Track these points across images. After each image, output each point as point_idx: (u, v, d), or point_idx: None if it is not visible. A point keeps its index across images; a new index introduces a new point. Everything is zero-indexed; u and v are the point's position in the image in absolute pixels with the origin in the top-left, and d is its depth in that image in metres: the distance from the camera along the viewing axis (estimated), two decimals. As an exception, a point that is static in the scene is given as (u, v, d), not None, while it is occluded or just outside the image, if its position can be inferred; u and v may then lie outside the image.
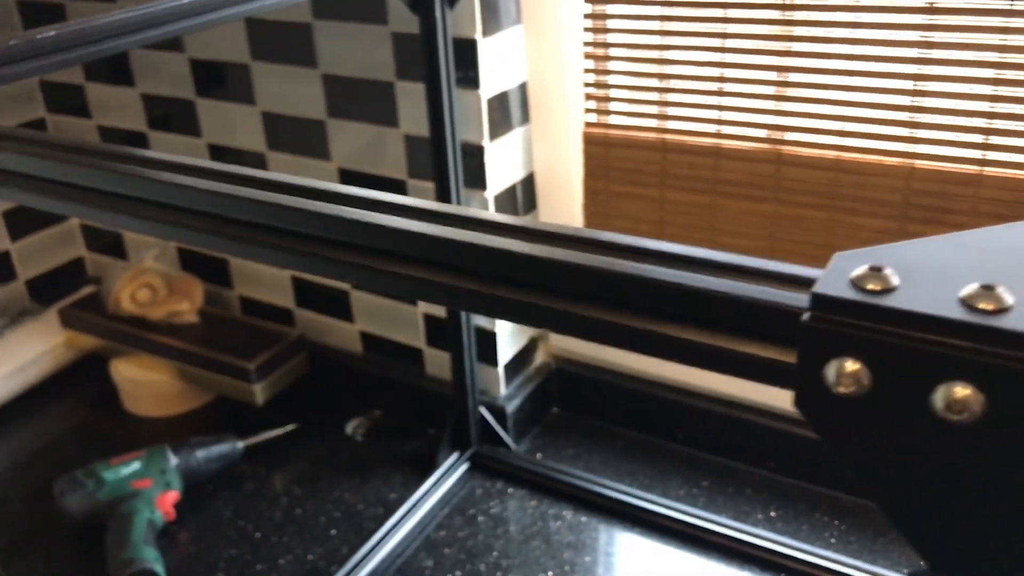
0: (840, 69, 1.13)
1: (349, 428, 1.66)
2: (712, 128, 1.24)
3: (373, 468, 1.58)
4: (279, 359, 1.69)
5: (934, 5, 1.04)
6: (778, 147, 1.20)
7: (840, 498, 1.43)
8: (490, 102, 1.37)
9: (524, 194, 1.50)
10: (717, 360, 0.32)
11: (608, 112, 1.34)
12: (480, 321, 1.54)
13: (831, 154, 1.17)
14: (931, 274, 0.30)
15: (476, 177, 1.41)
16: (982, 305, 0.28)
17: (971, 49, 1.03)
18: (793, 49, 1.15)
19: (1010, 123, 1.05)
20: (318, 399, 1.74)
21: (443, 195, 1.36)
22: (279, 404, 1.71)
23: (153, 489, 1.45)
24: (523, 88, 1.42)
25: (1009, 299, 0.28)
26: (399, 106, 1.43)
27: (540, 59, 1.38)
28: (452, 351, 1.50)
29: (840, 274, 0.31)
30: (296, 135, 1.57)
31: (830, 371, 0.29)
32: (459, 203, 1.39)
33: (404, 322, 1.64)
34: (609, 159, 1.32)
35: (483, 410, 1.57)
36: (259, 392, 1.66)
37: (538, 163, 1.48)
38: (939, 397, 0.28)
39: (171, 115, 1.72)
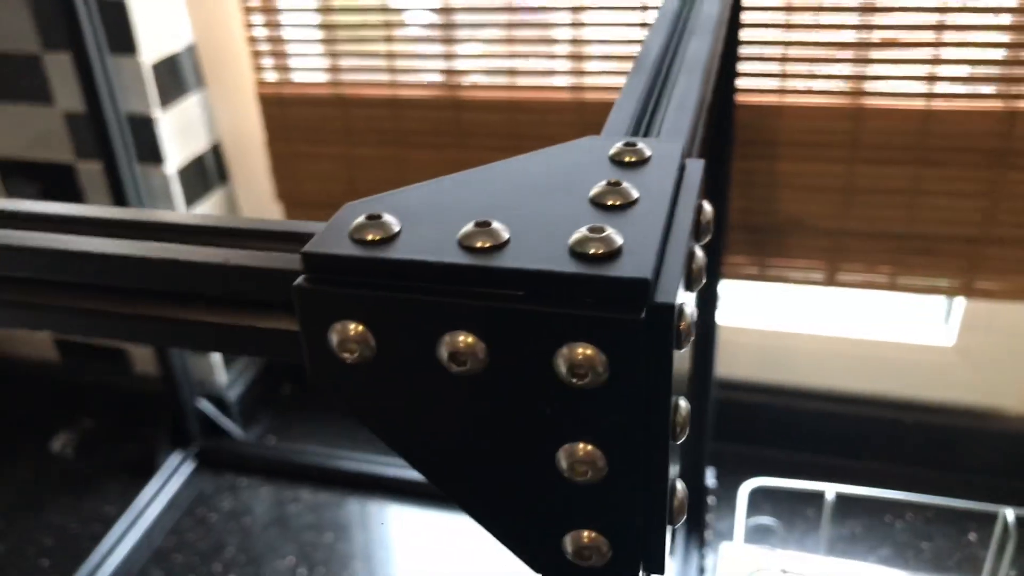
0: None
1: (56, 444, 1.50)
2: (387, 77, 1.19)
3: (87, 484, 1.43)
4: (-43, 381, 1.49)
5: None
6: (513, 93, 1.16)
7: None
8: (156, 68, 1.25)
9: (215, 165, 1.39)
10: (218, 340, 0.27)
11: (286, 69, 1.26)
12: (184, 307, 1.43)
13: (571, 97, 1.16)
14: (433, 216, 0.27)
15: (151, 151, 1.29)
16: (479, 244, 0.25)
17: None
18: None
19: None
20: (14, 418, 1.56)
21: (112, 174, 1.24)
22: (-34, 431, 1.51)
23: None
24: (193, 50, 1.31)
25: (504, 234, 0.26)
26: (52, 81, 1.28)
27: (205, 18, 1.27)
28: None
29: (341, 227, 0.27)
30: (-66, 125, 1.37)
31: (333, 337, 0.26)
32: (134, 181, 1.26)
33: (101, 320, 1.49)
34: (288, 119, 1.24)
35: (203, 402, 1.47)
36: (-64, 422, 1.46)
37: (223, 130, 1.37)
38: (444, 350, 0.25)
39: None
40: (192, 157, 1.34)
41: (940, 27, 0.98)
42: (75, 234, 0.28)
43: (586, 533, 0.27)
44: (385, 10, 1.17)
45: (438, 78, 1.17)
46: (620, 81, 1.13)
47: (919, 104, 1.01)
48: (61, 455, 1.48)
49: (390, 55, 1.17)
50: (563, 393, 0.25)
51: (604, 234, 0.25)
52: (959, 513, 1.26)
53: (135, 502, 1.36)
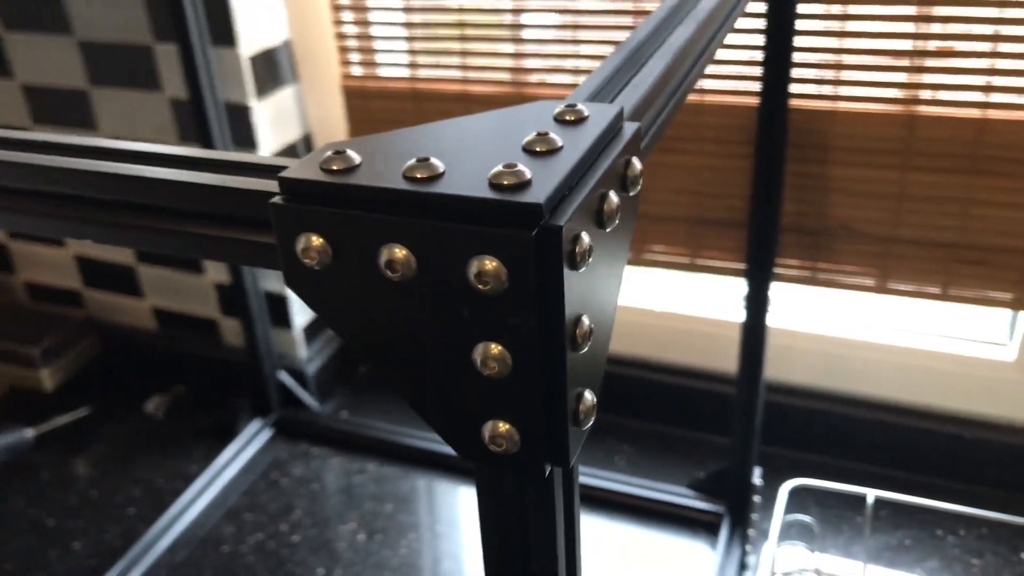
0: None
1: (149, 406, 1.62)
2: (459, 74, 1.26)
3: (175, 444, 1.55)
4: (67, 342, 1.63)
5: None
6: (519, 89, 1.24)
7: (634, 426, 1.51)
8: (253, 60, 1.35)
9: (305, 154, 1.49)
10: (209, 249, 0.34)
11: (371, 64, 1.35)
12: (270, 285, 1.53)
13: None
14: (389, 153, 0.33)
15: (246, 138, 1.39)
16: (417, 174, 0.31)
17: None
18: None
19: None
20: (114, 380, 1.69)
21: (210, 158, 1.34)
22: (72, 389, 1.65)
23: (-70, 487, 1.38)
24: (289, 45, 1.41)
25: (440, 168, 0.31)
26: (160, 69, 1.40)
27: (299, 14, 1.37)
28: (243, 318, 1.49)
29: (315, 159, 0.33)
30: (60, 107, 1.51)
31: (299, 247, 0.32)
32: (228, 166, 1.37)
33: (195, 293, 1.61)
34: (370, 112, 1.33)
35: (283, 374, 1.57)
36: (47, 377, 1.60)
37: (313, 121, 1.47)
38: (382, 259, 0.31)
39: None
40: (284, 146, 1.45)
41: (996, 38, 0.99)
42: (115, 161, 0.35)
43: (500, 423, 0.32)
44: (461, 10, 1.24)
45: (507, 76, 1.23)
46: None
47: (974, 113, 1.02)
48: (153, 416, 1.61)
49: (464, 53, 1.25)
50: (475, 298, 0.30)
51: (516, 169, 0.30)
52: (1014, 531, 1.24)
53: (215, 463, 1.47)
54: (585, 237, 0.31)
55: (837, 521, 1.29)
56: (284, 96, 1.42)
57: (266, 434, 1.55)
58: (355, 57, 1.34)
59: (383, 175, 0.32)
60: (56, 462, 1.52)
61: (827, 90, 1.07)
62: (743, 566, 1.24)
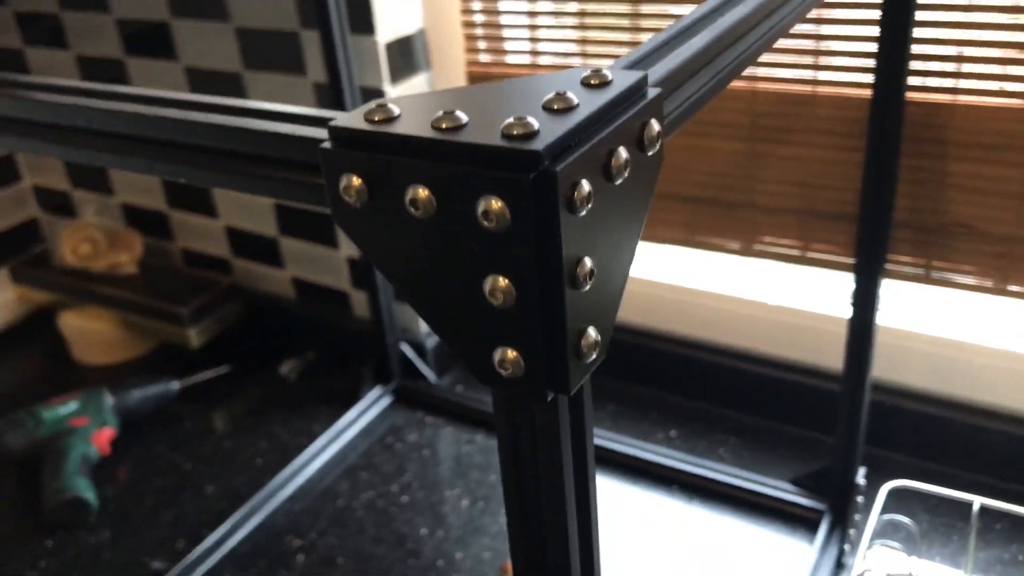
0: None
1: (283, 369, 1.75)
2: (579, 61, 1.30)
3: (303, 405, 1.66)
4: (213, 305, 1.77)
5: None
6: None
7: (741, 419, 1.50)
8: (388, 47, 1.43)
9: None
10: (273, 187, 0.39)
11: (498, 51, 1.40)
12: (395, 260, 1.61)
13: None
14: (426, 108, 0.37)
15: (379, 121, 1.47)
16: (443, 125, 0.35)
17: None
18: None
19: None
20: (254, 343, 1.83)
21: (344, 138, 1.43)
22: (216, 348, 1.80)
23: (89, 427, 1.54)
24: (423, 34, 1.49)
25: (463, 120, 0.35)
26: (306, 55, 1.50)
27: (433, 3, 1.44)
28: (370, 291, 1.58)
29: (362, 110, 0.38)
30: (216, 88, 1.64)
31: (341, 186, 0.37)
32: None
33: (330, 266, 1.72)
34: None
35: (405, 346, 1.65)
36: (194, 336, 1.75)
37: (442, 106, 1.54)
38: (407, 198, 0.35)
39: (101, 78, 1.80)
40: (414, 128, 1.52)
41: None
42: (204, 112, 0.41)
43: (508, 350, 0.36)
44: None
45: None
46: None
47: (1108, 109, 0.97)
48: (286, 378, 1.73)
49: (583, 41, 1.28)
50: (483, 235, 0.34)
51: (524, 120, 0.34)
52: None
53: (337, 424, 1.56)
54: (585, 185, 0.34)
55: (947, 530, 1.25)
56: (417, 82, 1.50)
57: (386, 401, 1.63)
58: (482, 44, 1.39)
59: (414, 125, 0.36)
60: (197, 413, 1.66)
61: (946, 83, 1.04)
62: (840, 565, 1.22)
